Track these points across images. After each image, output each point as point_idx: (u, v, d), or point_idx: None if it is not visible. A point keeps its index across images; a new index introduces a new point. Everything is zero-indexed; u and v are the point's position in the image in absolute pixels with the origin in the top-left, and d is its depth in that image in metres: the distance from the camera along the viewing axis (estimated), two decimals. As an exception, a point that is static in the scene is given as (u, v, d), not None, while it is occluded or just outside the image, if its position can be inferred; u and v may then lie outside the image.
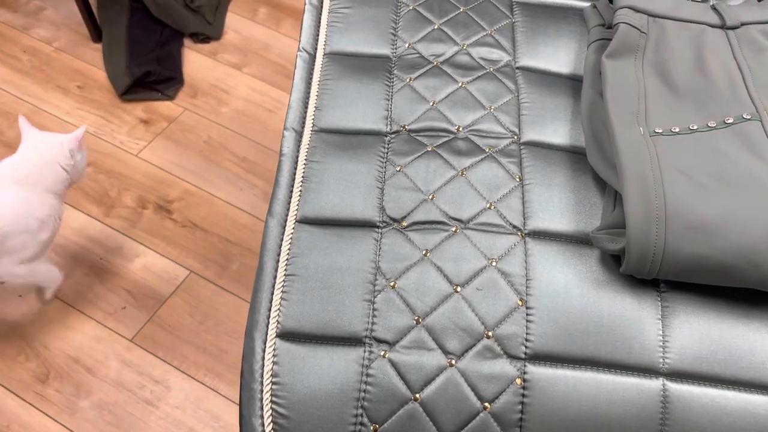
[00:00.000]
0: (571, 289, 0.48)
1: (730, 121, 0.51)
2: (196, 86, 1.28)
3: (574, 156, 0.54)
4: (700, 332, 0.47)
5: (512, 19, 0.62)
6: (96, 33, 1.32)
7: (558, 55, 0.60)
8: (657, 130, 0.50)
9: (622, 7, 0.58)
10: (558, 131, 0.56)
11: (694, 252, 0.45)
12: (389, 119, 0.56)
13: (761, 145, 0.49)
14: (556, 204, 0.51)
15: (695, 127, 0.50)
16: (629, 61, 0.55)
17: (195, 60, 1.33)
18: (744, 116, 0.51)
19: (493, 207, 0.51)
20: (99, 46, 1.31)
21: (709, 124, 0.50)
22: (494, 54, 0.59)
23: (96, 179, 1.14)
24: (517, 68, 0.59)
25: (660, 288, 0.48)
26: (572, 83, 0.58)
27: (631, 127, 0.50)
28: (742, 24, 0.57)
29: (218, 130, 1.22)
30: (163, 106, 1.25)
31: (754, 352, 0.47)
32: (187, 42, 1.35)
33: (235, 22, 1.40)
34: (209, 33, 1.35)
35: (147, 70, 1.23)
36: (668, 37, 0.56)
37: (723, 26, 0.58)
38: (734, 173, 0.47)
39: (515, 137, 0.55)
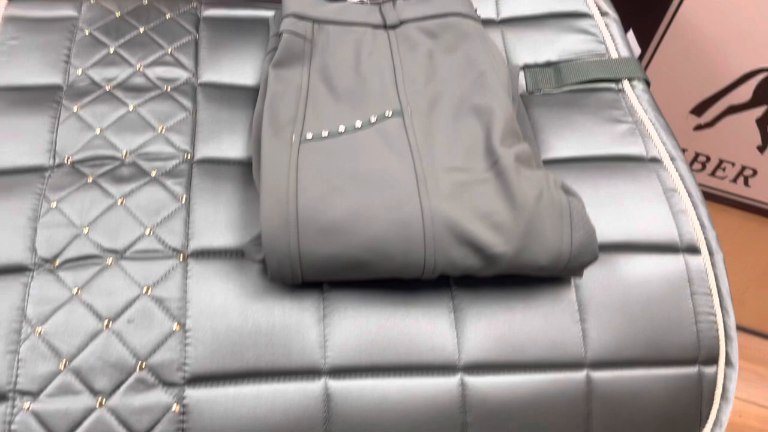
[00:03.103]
0: (230, 304, 0.48)
1: (374, 120, 0.53)
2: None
3: (248, 168, 0.54)
4: (360, 326, 0.49)
5: (196, 36, 0.61)
6: None
7: (243, 68, 0.60)
8: (308, 137, 0.51)
9: (287, 16, 0.58)
10: (234, 145, 0.56)
11: (329, 252, 0.46)
12: (53, 152, 0.53)
13: (398, 140, 0.51)
14: (222, 220, 0.51)
15: (342, 130, 0.52)
16: (296, 69, 0.56)
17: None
18: (386, 114, 0.53)
19: (151, 233, 0.50)
20: None
21: (356, 126, 0.52)
22: (173, 72, 0.58)
23: None
24: (199, 85, 0.59)
25: (323, 289, 0.50)
26: (255, 95, 0.58)
27: (280, 137, 0.51)
28: (402, 22, 0.60)
29: None
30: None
31: (411, 337, 0.49)
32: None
33: None
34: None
35: None
36: (331, 42, 0.58)
37: (385, 26, 0.60)
38: (368, 171, 0.49)
39: (187, 155, 0.54)
